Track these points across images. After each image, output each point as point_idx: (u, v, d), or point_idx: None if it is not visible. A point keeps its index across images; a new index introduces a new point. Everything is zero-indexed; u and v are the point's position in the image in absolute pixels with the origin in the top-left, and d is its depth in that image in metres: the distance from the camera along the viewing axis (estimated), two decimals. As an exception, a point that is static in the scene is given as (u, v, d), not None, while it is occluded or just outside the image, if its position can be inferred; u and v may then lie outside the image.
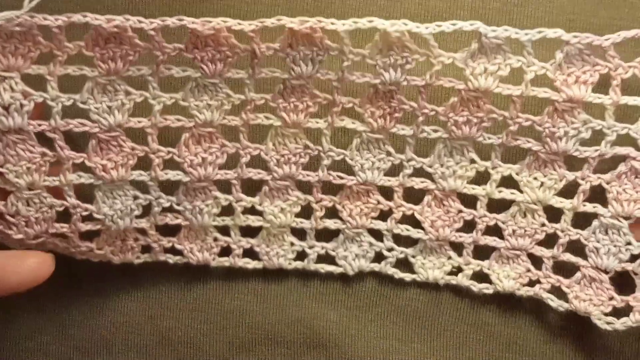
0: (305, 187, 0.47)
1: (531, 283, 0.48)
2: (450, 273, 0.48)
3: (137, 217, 0.46)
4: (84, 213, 0.45)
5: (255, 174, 0.46)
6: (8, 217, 0.44)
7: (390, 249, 0.48)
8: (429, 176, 0.46)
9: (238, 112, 0.44)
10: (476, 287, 0.48)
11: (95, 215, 0.45)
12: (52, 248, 0.46)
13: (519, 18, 0.46)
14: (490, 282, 0.48)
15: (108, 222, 0.45)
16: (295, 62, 0.42)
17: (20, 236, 0.44)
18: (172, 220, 0.47)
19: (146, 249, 0.48)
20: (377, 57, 0.42)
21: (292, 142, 0.45)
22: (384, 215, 0.47)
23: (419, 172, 0.46)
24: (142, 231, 0.47)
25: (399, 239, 0.48)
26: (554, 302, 0.47)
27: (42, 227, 0.45)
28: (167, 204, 0.46)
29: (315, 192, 0.46)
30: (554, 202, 0.45)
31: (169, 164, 0.45)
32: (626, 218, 0.45)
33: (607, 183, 0.44)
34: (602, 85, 0.42)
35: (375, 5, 0.46)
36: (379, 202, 0.47)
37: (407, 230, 0.47)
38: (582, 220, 0.46)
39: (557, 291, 0.47)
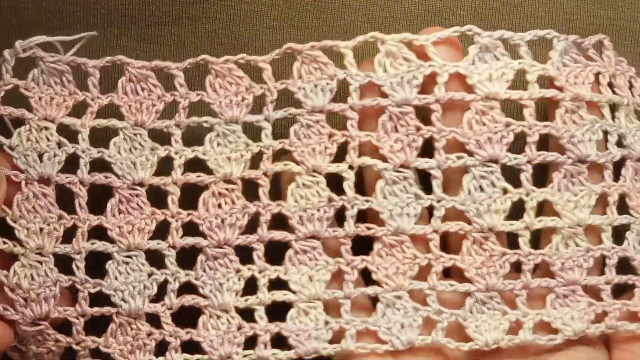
0: (333, 252, 0.43)
1: (597, 318, 0.42)
2: (509, 331, 0.42)
3: (150, 301, 0.42)
4: (92, 290, 0.41)
5: (278, 235, 0.42)
6: (7, 291, 0.40)
7: (438, 312, 0.42)
8: (463, 218, 0.43)
9: (257, 165, 0.43)
10: (543, 340, 0.42)
11: (105, 291, 0.41)
12: (50, 357, 0.42)
13: (519, 18, 0.46)
14: (555, 331, 0.42)
15: (118, 300, 0.41)
16: (307, 95, 0.42)
17: (16, 317, 0.40)
18: (189, 302, 0.42)
19: (160, 347, 0.42)
20: (383, 77, 0.42)
21: (315, 196, 0.43)
22: (422, 274, 0.43)
23: (451, 215, 0.43)
24: (156, 323, 0.42)
25: (444, 304, 0.43)
26: (631, 326, 0.41)
27: (42, 309, 0.41)
28: (184, 279, 0.42)
29: (344, 252, 0.43)
30: (592, 221, 0.42)
31: (188, 233, 0.42)
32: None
33: (629, 189, 0.42)
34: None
35: (375, 5, 0.46)
36: (415, 257, 0.42)
37: (452, 285, 0.42)
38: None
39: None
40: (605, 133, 0.43)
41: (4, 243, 0.41)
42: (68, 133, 0.42)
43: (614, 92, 0.43)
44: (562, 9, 0.47)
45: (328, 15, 0.45)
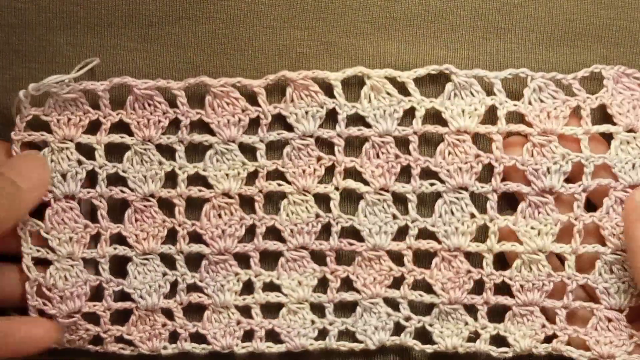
0: (319, 259, 0.49)
1: (547, 339, 0.47)
2: (469, 340, 0.48)
3: (164, 297, 0.49)
4: (116, 288, 0.49)
5: (271, 245, 0.49)
6: (44, 290, 0.48)
7: (407, 318, 0.49)
8: (434, 237, 0.48)
9: (252, 182, 0.48)
10: (495, 352, 0.47)
11: (126, 290, 0.49)
12: (80, 342, 0.49)
13: (519, 18, 0.47)
14: (509, 345, 0.47)
15: (138, 297, 0.49)
16: (298, 120, 0.47)
17: (53, 311, 0.48)
18: (196, 300, 0.49)
19: (172, 338, 0.50)
20: (368, 109, 0.47)
21: (304, 212, 0.48)
22: (397, 283, 0.49)
23: (424, 234, 0.48)
24: (169, 316, 0.50)
25: (416, 309, 0.49)
26: (575, 352, 0.46)
27: (75, 305, 0.48)
28: (191, 280, 0.49)
29: (329, 262, 0.49)
30: (554, 248, 0.46)
31: (193, 239, 0.49)
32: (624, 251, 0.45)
33: (599, 220, 0.46)
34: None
35: (375, 5, 0.47)
36: (390, 269, 0.48)
37: (421, 295, 0.48)
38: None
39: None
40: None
41: (38, 251, 0.48)
42: (85, 150, 0.47)
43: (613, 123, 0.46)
44: (562, 9, 0.47)
45: (328, 15, 0.46)
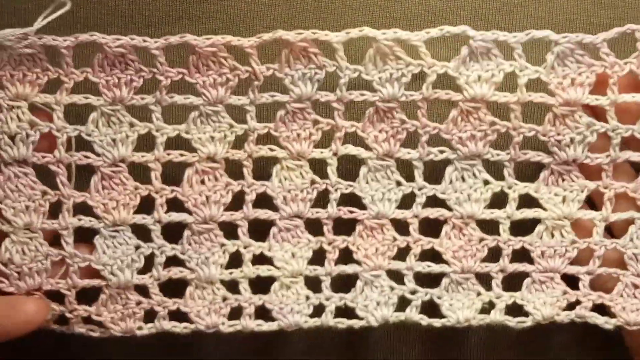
0: (316, 229, 0.44)
1: (569, 306, 0.44)
2: (482, 311, 0.44)
3: (138, 272, 0.43)
4: (82, 264, 0.43)
5: (262, 213, 0.43)
6: (0, 267, 0.42)
7: (413, 292, 0.44)
8: (444, 205, 0.44)
9: (241, 146, 0.43)
10: (512, 321, 0.44)
11: (94, 266, 0.43)
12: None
13: (519, 18, 0.46)
14: (527, 314, 0.44)
15: (107, 274, 0.43)
16: (294, 82, 0.42)
17: (11, 289, 0.42)
18: (176, 275, 0.44)
19: (149, 317, 0.44)
20: (372, 72, 0.42)
21: (299, 177, 0.43)
22: (401, 255, 0.44)
23: (433, 202, 0.44)
24: (144, 293, 0.44)
25: (422, 282, 0.44)
26: (600, 319, 0.43)
27: (35, 281, 0.42)
28: (170, 253, 0.43)
29: (326, 232, 0.44)
30: (581, 215, 0.43)
31: (173, 208, 0.43)
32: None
33: (634, 191, 0.43)
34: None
35: (375, 5, 0.46)
36: (395, 239, 0.44)
37: (429, 266, 0.44)
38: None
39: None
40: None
41: None
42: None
43: None
44: (562, 9, 0.46)
45: (328, 15, 0.44)
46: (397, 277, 0.45)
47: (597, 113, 0.43)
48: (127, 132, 0.42)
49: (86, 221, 0.43)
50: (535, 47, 0.43)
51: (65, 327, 0.44)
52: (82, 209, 0.43)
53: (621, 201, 0.43)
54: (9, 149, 0.41)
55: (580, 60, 0.42)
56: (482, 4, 0.47)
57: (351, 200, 0.44)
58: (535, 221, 0.44)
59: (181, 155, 0.43)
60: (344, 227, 0.44)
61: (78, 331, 0.44)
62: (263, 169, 0.44)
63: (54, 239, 0.43)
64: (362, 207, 0.44)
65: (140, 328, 0.44)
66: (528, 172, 0.44)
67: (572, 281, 0.44)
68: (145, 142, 0.43)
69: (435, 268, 0.44)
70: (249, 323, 0.44)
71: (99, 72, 0.41)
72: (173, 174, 0.43)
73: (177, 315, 0.44)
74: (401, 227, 0.44)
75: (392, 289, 0.44)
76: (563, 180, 0.43)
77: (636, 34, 0.42)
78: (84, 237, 0.43)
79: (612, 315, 0.44)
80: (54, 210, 0.43)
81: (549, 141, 0.42)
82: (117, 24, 0.45)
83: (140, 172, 0.43)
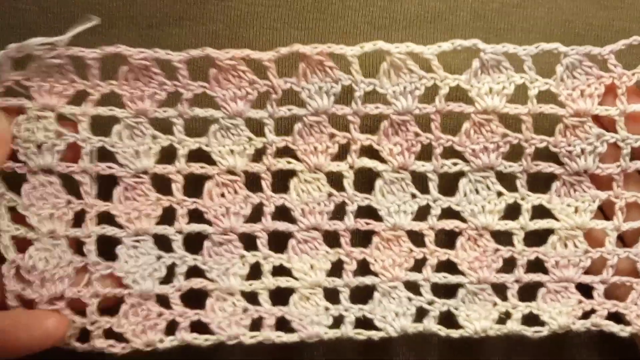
0: (333, 241, 0.45)
1: (584, 315, 0.44)
2: (499, 321, 0.45)
3: (160, 282, 0.44)
4: (104, 272, 0.43)
5: (280, 225, 0.44)
6: (23, 274, 0.42)
7: (430, 302, 0.45)
8: (458, 216, 0.45)
9: (260, 159, 0.44)
10: (529, 331, 0.44)
11: (117, 274, 0.43)
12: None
13: (518, 19, 0.47)
14: (542, 324, 0.44)
15: (130, 282, 0.43)
16: (311, 96, 0.43)
17: (34, 296, 0.42)
18: (197, 285, 0.44)
19: (170, 330, 0.44)
20: (387, 85, 0.43)
21: (316, 190, 0.44)
22: (418, 266, 0.45)
23: (447, 214, 0.45)
24: (165, 305, 0.44)
25: (436, 295, 0.45)
26: (615, 327, 0.44)
27: (57, 288, 0.43)
28: (192, 263, 0.44)
29: (344, 244, 0.45)
30: (593, 225, 0.44)
31: (194, 219, 0.44)
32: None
33: None
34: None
35: (375, 5, 0.46)
36: (411, 250, 0.45)
37: (445, 277, 0.45)
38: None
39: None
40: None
41: (17, 229, 0.42)
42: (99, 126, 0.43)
43: None
44: (562, 9, 0.47)
45: (328, 16, 0.45)
46: (414, 288, 0.45)
47: (604, 123, 0.44)
48: (149, 144, 0.43)
49: (109, 229, 0.43)
50: (542, 55, 0.43)
51: (86, 344, 0.43)
52: (106, 219, 0.43)
53: (632, 210, 0.44)
54: (35, 158, 0.42)
55: (588, 72, 0.43)
56: (482, 5, 0.47)
57: (368, 212, 0.45)
58: (549, 232, 0.45)
59: (202, 167, 0.44)
60: (361, 239, 0.45)
61: (99, 347, 0.43)
62: (281, 181, 0.45)
63: (78, 249, 0.43)
64: (379, 219, 0.44)
65: (161, 340, 0.44)
66: (540, 183, 0.45)
67: (585, 289, 0.45)
68: (167, 154, 0.44)
69: (452, 279, 0.45)
70: (270, 334, 0.44)
71: (123, 85, 0.42)
72: (193, 187, 0.44)
73: (198, 326, 0.44)
74: (417, 238, 0.45)
75: (409, 299, 0.45)
76: (575, 190, 0.44)
77: None
78: (107, 247, 0.43)
79: (626, 323, 0.44)
80: (78, 220, 0.43)
81: (560, 152, 0.44)
82: (118, 25, 0.46)
83: (162, 184, 0.44)
